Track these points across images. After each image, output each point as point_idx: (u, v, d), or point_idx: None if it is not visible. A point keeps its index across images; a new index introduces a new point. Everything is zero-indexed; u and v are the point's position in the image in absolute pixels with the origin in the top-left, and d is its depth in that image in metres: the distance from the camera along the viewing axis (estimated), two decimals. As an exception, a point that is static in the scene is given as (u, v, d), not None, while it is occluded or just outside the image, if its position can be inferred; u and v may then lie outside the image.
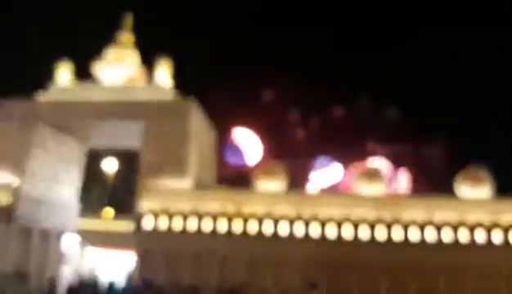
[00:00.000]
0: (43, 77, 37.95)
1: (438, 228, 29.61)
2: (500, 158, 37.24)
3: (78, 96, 36.03)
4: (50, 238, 36.30)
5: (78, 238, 39.16)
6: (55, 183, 36.81)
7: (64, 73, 37.71)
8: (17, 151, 33.81)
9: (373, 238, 29.79)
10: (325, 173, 49.65)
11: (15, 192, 33.05)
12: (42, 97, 36.77)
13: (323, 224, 30.37)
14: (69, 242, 38.12)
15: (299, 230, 30.54)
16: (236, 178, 39.95)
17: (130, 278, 32.21)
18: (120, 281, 32.06)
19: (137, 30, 40.25)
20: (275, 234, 30.65)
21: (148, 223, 31.77)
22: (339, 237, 30.03)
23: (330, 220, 30.41)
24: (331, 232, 30.20)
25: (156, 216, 31.91)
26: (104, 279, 30.82)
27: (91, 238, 40.36)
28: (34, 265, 33.86)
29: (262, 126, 51.50)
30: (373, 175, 31.83)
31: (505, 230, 29.22)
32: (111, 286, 25.23)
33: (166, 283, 27.55)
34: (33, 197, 34.48)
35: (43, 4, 55.66)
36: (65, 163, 38.07)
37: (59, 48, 40.67)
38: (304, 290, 28.06)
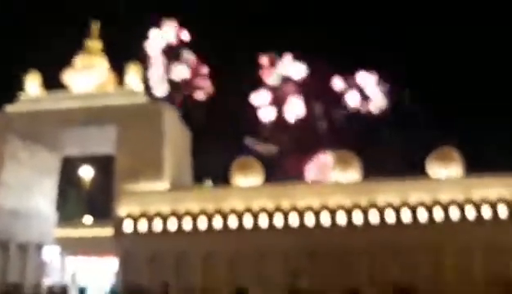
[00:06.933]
0: (11, 89, 37.54)
1: (413, 209, 30.31)
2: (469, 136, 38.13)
3: (48, 105, 35.65)
4: (28, 250, 35.84)
5: (57, 248, 38.74)
6: (30, 194, 36.32)
7: (32, 84, 37.24)
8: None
9: (350, 223, 30.32)
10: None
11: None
12: (12, 108, 36.30)
13: (302, 214, 30.78)
14: (49, 253, 37.69)
15: (279, 222, 30.87)
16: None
17: (114, 284, 32.09)
18: (104, 287, 31.95)
19: (104, 37, 39.98)
20: (255, 228, 30.93)
21: (128, 226, 31.67)
22: (318, 225, 30.47)
23: (308, 209, 30.84)
24: (310, 221, 30.62)
25: (135, 219, 31.82)
26: (81, 286, 30.58)
27: (71, 246, 40.01)
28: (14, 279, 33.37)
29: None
30: (346, 161, 32.37)
31: (477, 206, 30.08)
32: (82, 291, 25.08)
33: (150, 286, 27.54)
34: (7, 210, 33.99)
35: (5, 14, 54.75)
36: (40, 173, 37.60)
37: (26, 59, 40.11)
38: (288, 280, 28.57)
